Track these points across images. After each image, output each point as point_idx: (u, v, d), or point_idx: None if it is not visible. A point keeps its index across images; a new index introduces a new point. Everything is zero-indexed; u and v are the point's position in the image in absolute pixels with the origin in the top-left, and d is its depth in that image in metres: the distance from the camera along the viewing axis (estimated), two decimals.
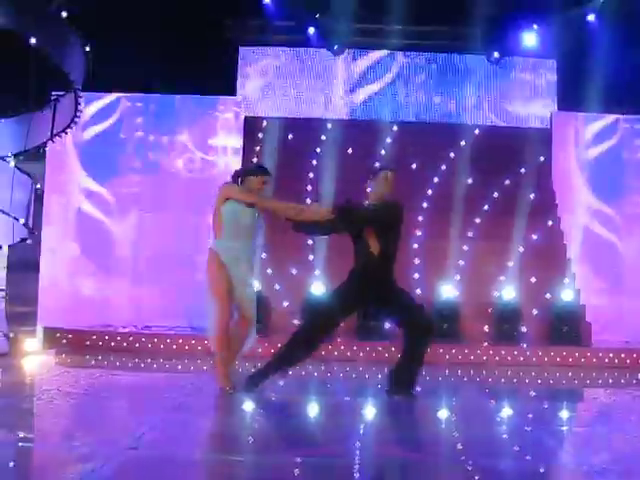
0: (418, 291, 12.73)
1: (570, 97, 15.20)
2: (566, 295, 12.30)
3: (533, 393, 8.84)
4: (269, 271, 13.00)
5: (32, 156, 11.57)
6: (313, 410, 6.90)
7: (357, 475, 4.29)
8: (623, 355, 11.07)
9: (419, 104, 15.95)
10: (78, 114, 11.30)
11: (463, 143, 15.02)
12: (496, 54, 15.60)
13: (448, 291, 12.22)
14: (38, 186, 11.67)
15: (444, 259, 12.87)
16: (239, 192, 7.10)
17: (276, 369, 7.12)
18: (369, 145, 14.85)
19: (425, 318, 7.25)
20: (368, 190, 7.49)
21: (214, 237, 7.16)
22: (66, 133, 11.52)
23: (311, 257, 13.23)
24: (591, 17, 15.07)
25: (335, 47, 15.54)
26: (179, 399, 6.82)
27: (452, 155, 14.96)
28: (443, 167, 14.89)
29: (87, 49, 10.40)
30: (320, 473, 4.38)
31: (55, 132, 10.91)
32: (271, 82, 15.79)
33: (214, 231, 7.14)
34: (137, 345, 11.25)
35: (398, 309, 7.09)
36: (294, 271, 13.09)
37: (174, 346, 11.16)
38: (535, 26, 15.11)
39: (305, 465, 4.52)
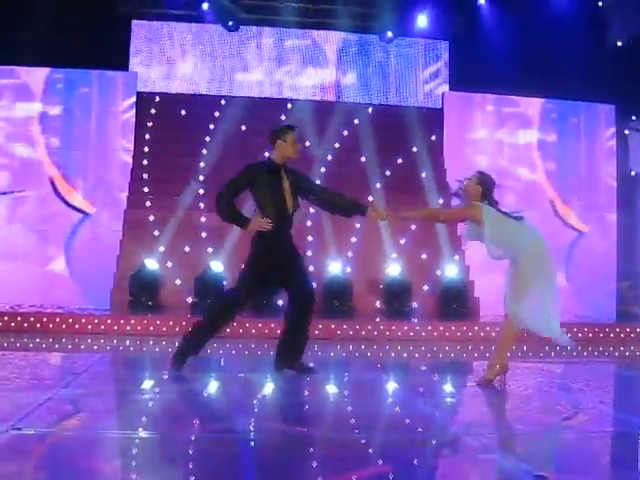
0: (311, 268, 12.81)
1: (461, 78, 15.52)
2: (455, 272, 12.59)
3: (423, 367, 9.01)
4: (162, 248, 12.86)
5: None
6: (207, 387, 6.87)
7: (250, 450, 4.30)
8: None
9: (314, 82, 15.98)
10: None
11: (357, 121, 15.13)
12: (390, 34, 15.76)
13: (340, 268, 12.34)
14: None
15: (337, 236, 12.98)
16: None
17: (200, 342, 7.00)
18: (264, 122, 14.78)
19: (310, 287, 7.24)
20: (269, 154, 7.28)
21: None
22: None
23: (204, 235, 13.15)
24: (482, 0, 15.41)
25: (230, 24, 15.41)
26: (70, 379, 6.70)
27: (346, 133, 15.05)
28: (337, 145, 14.96)
29: None
30: (213, 449, 4.37)
31: None
32: (165, 57, 15.53)
33: None
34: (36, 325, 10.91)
35: (291, 277, 7.02)
36: (187, 249, 13.00)
37: (63, 325, 10.90)
38: (428, 8, 15.35)
39: (199, 441, 4.52)
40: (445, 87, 16.04)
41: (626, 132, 12.90)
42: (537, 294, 6.43)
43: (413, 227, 13.56)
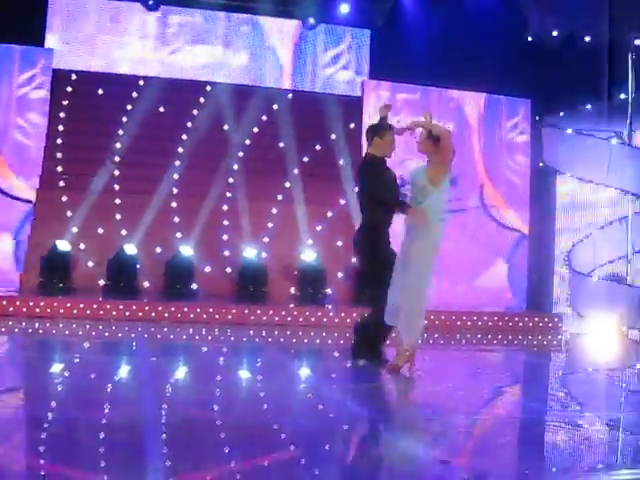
0: (227, 253, 12.82)
1: (381, 66, 15.61)
2: None
3: (336, 353, 9.08)
4: (74, 230, 12.64)
5: None
6: (118, 371, 6.81)
7: (160, 436, 4.29)
8: None
9: (235, 65, 15.86)
10: None
11: (276, 107, 15.09)
12: (312, 20, 15.73)
13: (255, 253, 12.34)
14: None
15: (253, 221, 12.96)
16: None
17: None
18: (182, 104, 14.67)
19: None
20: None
21: None
22: None
23: (118, 216, 12.98)
24: None
25: (150, 2, 15.15)
26: None
27: (265, 118, 14.98)
28: (256, 130, 14.89)
29: None
30: (121, 434, 4.34)
31: None
32: (82, 35, 15.16)
33: None
34: None
35: None
36: (100, 230, 12.81)
37: None
38: None
39: (106, 425, 4.49)
40: (365, 76, 16.09)
41: (541, 128, 13.14)
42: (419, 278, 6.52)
43: (329, 214, 13.61)
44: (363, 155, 7.28)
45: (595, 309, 9.71)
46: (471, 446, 4.49)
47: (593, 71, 13.16)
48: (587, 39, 11.27)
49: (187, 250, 12.16)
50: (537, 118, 13.47)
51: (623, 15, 11.44)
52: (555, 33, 13.40)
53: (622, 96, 11.69)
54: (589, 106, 12.25)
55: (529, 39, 14.01)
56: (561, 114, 12.19)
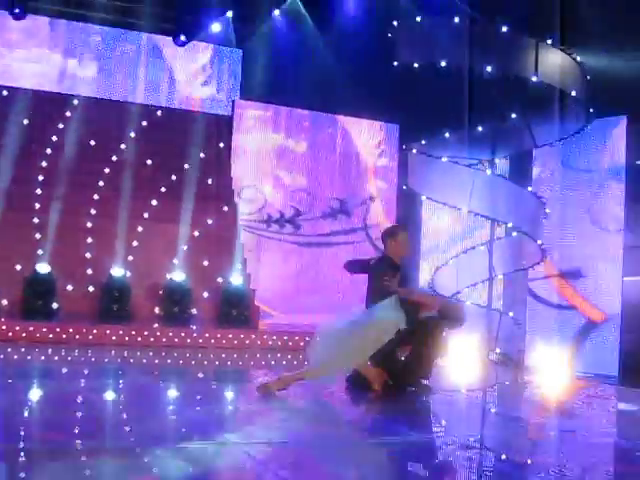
0: (90, 271, 12.48)
1: (252, 86, 15.64)
2: (236, 279, 12.63)
3: (201, 374, 8.96)
4: None
5: None
6: None
7: (16, 462, 4.09)
8: (286, 338, 11.57)
9: (102, 80, 15.55)
10: None
11: (145, 124, 14.88)
12: (183, 37, 15.62)
13: (119, 272, 12.06)
14: None
15: (118, 239, 12.66)
16: None
17: None
18: (48, 117, 14.27)
19: None
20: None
21: None
22: None
23: (38, 236, 12.47)
24: (277, 12, 15.61)
25: (16, 11, 14.67)
26: None
27: (133, 135, 14.73)
28: (123, 146, 14.62)
29: None
30: None
31: None
32: None
33: None
34: None
35: None
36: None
37: None
38: (228, 14, 15.40)
39: None
40: (236, 95, 16.08)
41: (408, 152, 13.38)
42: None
43: (196, 234, 13.47)
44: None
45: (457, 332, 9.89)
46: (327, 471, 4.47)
47: (457, 100, 13.52)
48: (450, 69, 11.54)
49: (46, 268, 11.75)
50: (404, 147, 13.71)
51: (482, 46, 11.79)
52: (421, 62, 13.70)
53: (479, 129, 12.02)
54: (447, 134, 12.54)
55: (400, 67, 14.27)
56: (423, 142, 12.45)
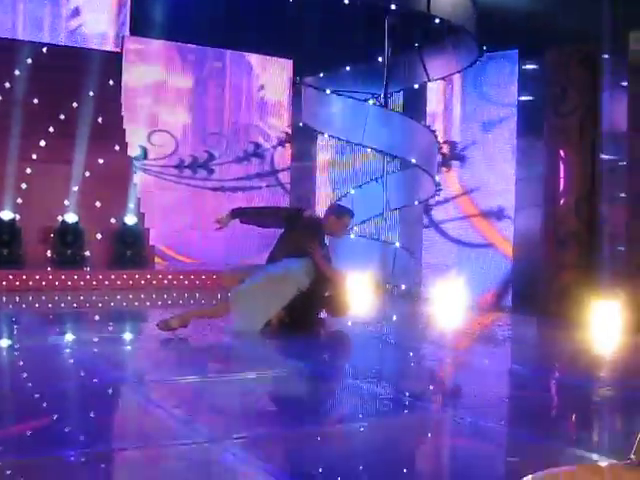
0: None
1: (143, 22, 15.20)
2: (130, 219, 12.41)
3: (97, 317, 8.82)
4: None
5: None
6: None
7: None
8: (182, 276, 11.48)
9: None
10: None
11: (30, 61, 14.31)
12: None
13: (9, 215, 11.68)
14: None
15: (6, 181, 12.24)
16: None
17: None
18: None
19: None
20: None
21: None
22: None
23: None
24: None
25: None
26: None
27: (17, 73, 14.15)
28: (7, 85, 14.05)
29: None
30: None
31: None
32: None
33: None
34: None
35: None
36: None
37: None
38: None
39: None
40: (126, 31, 15.62)
41: (302, 87, 13.29)
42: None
43: (87, 174, 13.12)
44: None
45: (352, 265, 9.96)
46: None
47: (352, 34, 13.48)
48: (346, 1, 11.44)
49: None
50: (297, 79, 13.62)
51: None
52: None
53: (379, 59, 12.02)
54: (348, 68, 12.52)
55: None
56: (321, 75, 12.39)
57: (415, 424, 4.11)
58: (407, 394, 4.79)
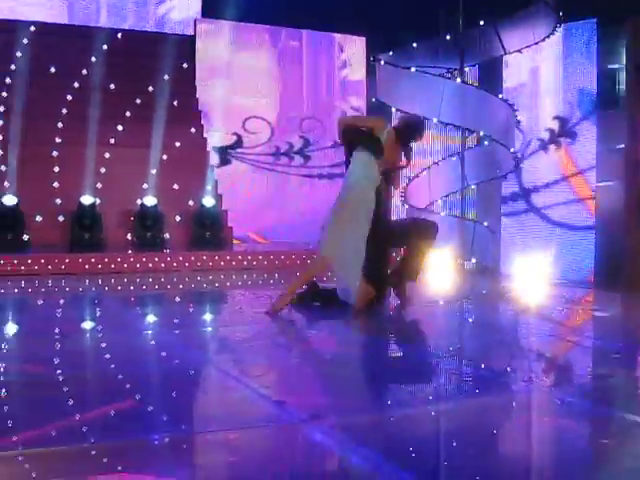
0: (58, 201, 12.29)
1: (214, 4, 15.25)
2: (208, 201, 12.50)
3: (178, 298, 8.89)
4: None
5: None
6: None
7: None
8: (260, 257, 11.53)
9: (62, 5, 15.10)
10: None
11: (105, 47, 14.49)
12: None
13: (89, 200, 11.87)
14: None
15: (85, 167, 12.44)
16: None
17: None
18: (4, 46, 13.86)
19: None
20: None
21: None
22: None
23: (3, 168, 12.21)
24: None
25: None
26: None
27: (94, 59, 14.35)
28: (84, 72, 14.26)
29: None
30: None
31: None
32: None
33: None
34: None
35: None
36: None
37: None
38: None
39: None
40: (197, 14, 15.70)
41: (375, 64, 13.18)
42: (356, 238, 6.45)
43: (164, 157, 13.27)
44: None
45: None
46: (309, 388, 4.44)
47: (425, 9, 13.30)
48: None
49: (12, 199, 11.52)
50: (372, 57, 13.49)
51: None
52: None
53: (448, 37, 11.83)
54: (415, 44, 12.34)
55: None
56: (391, 53, 12.25)
57: (513, 403, 4.03)
58: (505, 371, 4.70)
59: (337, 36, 15.77)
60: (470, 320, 7.17)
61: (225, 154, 15.06)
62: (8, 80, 13.59)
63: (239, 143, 15.23)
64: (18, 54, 13.89)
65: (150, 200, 12.14)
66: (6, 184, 11.96)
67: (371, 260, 6.56)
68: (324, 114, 15.70)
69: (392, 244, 7.24)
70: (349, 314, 6.53)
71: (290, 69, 15.72)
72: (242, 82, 15.32)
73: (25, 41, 14.06)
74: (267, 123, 15.43)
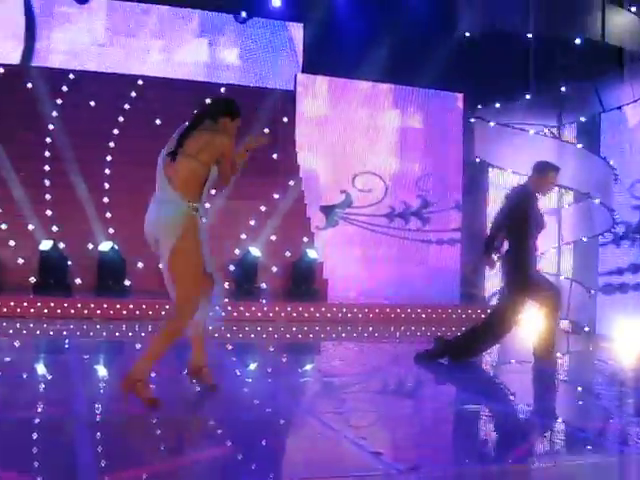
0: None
1: (314, 60, 15.60)
2: (305, 253, 12.69)
3: (272, 348, 9.03)
4: (3, 227, 12.36)
5: None
6: (36, 370, 6.66)
7: (92, 434, 4.21)
8: (355, 310, 11.61)
9: (165, 58, 15.68)
10: None
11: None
12: (243, 14, 15.68)
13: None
14: None
15: None
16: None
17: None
18: (114, 98, 14.46)
19: None
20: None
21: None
22: None
23: (49, 213, 12.71)
24: None
25: None
26: None
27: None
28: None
29: None
30: (52, 433, 4.24)
31: None
32: (10, 28, 14.79)
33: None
34: None
35: None
36: (30, 227, 12.48)
37: None
38: None
39: (37, 425, 4.38)
40: (297, 69, 16.06)
41: (472, 120, 13.25)
42: None
43: (263, 208, 13.55)
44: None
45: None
46: (403, 439, 4.50)
47: (522, 67, 13.37)
48: (512, 35, 11.40)
49: (107, 245, 11.94)
50: (471, 119, 13.56)
51: (553, 13, 11.59)
52: (485, 29, 13.55)
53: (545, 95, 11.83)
54: (513, 102, 12.39)
55: (461, 34, 14.12)
56: (497, 105, 12.34)
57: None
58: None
59: (434, 92, 15.82)
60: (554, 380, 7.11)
61: (333, 214, 14.89)
62: (115, 131, 14.16)
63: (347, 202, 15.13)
64: (126, 106, 14.48)
65: (250, 250, 12.37)
66: (111, 230, 12.42)
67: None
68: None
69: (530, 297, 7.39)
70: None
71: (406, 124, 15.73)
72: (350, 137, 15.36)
73: (132, 94, 14.66)
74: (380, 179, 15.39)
